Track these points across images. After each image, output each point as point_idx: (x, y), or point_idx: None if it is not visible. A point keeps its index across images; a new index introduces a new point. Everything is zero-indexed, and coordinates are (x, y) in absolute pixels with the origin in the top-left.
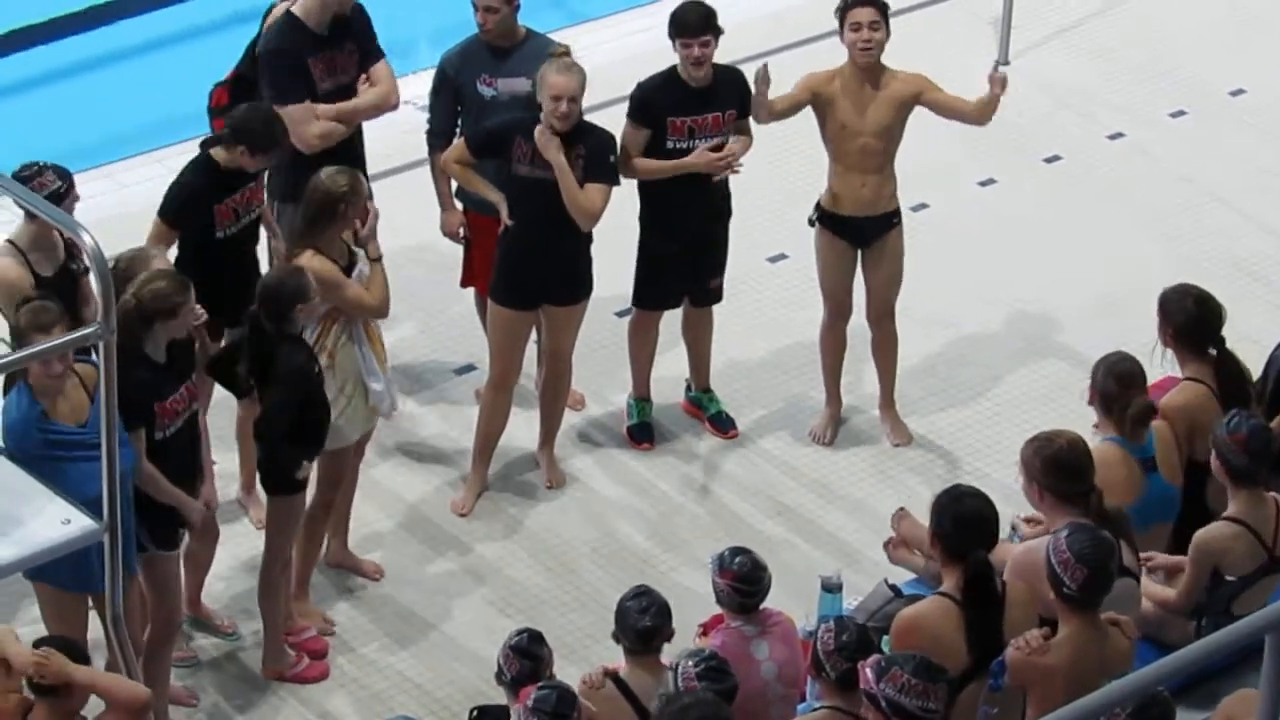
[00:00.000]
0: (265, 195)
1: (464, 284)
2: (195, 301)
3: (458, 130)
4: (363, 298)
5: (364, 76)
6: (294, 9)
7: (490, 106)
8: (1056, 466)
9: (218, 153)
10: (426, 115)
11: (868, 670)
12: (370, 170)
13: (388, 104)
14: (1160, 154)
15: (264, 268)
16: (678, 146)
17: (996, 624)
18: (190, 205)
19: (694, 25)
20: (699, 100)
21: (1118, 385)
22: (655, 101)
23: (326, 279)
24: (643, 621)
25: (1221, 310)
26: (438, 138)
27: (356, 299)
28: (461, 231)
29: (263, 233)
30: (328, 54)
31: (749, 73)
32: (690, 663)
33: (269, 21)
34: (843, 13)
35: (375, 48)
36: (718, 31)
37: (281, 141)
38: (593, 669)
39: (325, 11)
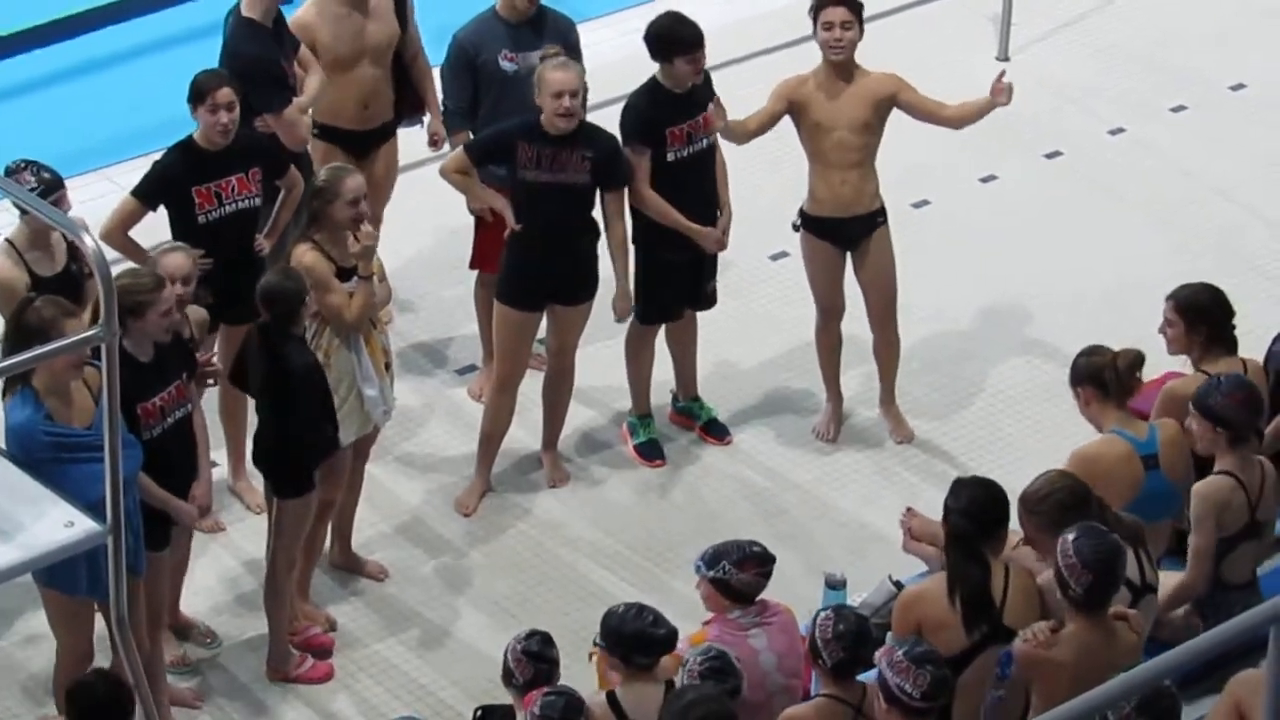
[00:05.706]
0: (259, 188)
1: (472, 265)
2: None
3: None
4: (341, 308)
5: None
6: (248, 13)
7: (511, 82)
8: (1068, 507)
9: (196, 134)
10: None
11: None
12: None
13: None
14: (1162, 148)
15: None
16: (679, 156)
17: (985, 590)
18: (163, 184)
19: (694, 39)
20: (689, 104)
21: (1088, 358)
22: (653, 119)
23: (315, 276)
24: (658, 630)
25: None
26: (460, 118)
27: (335, 306)
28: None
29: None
30: (284, 51)
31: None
32: (696, 659)
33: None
34: (815, 12)
35: (292, 35)
36: None
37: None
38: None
39: (271, 9)
